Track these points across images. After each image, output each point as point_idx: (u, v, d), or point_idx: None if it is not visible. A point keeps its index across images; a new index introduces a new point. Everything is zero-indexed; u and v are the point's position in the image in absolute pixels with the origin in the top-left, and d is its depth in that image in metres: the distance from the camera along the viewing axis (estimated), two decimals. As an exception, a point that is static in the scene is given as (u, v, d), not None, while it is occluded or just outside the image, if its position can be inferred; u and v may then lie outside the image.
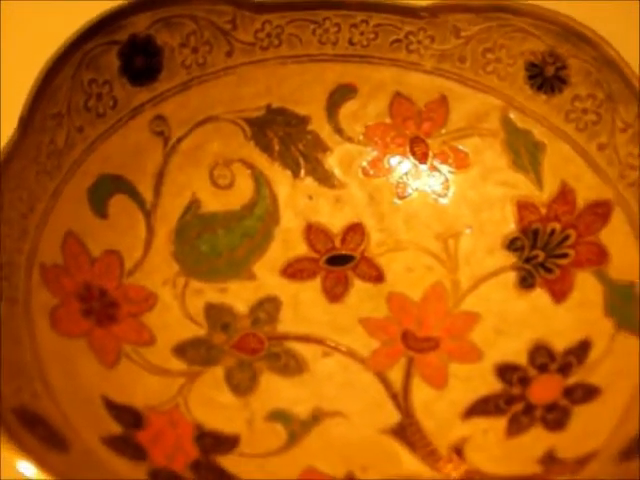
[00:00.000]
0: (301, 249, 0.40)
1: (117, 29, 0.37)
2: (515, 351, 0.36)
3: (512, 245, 0.39)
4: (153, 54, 0.39)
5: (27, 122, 0.35)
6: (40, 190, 0.35)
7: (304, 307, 0.38)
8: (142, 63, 0.38)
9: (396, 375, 0.37)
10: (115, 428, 0.33)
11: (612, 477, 0.29)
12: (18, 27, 0.46)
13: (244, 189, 0.40)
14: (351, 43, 0.40)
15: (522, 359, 0.36)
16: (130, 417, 0.33)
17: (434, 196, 0.40)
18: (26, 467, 0.25)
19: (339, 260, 0.40)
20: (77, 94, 0.37)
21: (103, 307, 0.36)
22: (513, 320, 0.37)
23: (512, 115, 0.39)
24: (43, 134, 0.35)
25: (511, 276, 0.38)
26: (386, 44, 0.39)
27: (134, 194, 0.39)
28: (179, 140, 0.40)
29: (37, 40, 0.42)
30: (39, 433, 0.28)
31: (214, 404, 0.35)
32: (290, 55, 0.40)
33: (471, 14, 0.38)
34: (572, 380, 0.35)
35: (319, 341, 0.38)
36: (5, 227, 0.33)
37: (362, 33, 0.40)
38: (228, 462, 0.34)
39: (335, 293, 0.39)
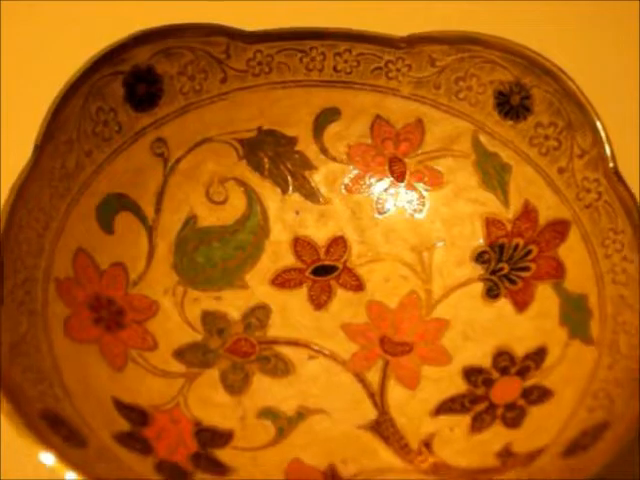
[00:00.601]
0: (289, 260, 0.43)
1: (121, 61, 0.41)
2: (480, 355, 0.40)
3: (480, 258, 0.42)
4: (154, 82, 0.42)
5: (41, 149, 0.39)
6: (53, 210, 0.39)
7: (292, 314, 0.42)
8: (144, 91, 0.42)
9: (373, 376, 0.40)
10: (124, 426, 0.37)
11: (558, 470, 0.34)
12: (26, 54, 0.49)
13: (237, 205, 0.44)
14: (335, 70, 0.43)
15: (486, 363, 0.40)
16: (137, 415, 0.37)
17: (410, 212, 0.44)
18: (49, 459, 0.30)
19: (323, 270, 0.43)
20: (86, 121, 0.41)
21: (111, 315, 0.40)
22: (479, 327, 0.41)
23: (482, 138, 0.42)
24: (55, 159, 0.39)
25: (478, 287, 0.42)
26: (367, 71, 0.43)
27: (137, 211, 0.42)
28: (178, 160, 0.43)
29: (43, 69, 0.47)
30: (62, 433, 0.33)
31: (211, 403, 0.39)
32: (279, 81, 0.43)
33: (445, 45, 0.42)
34: (529, 382, 0.39)
35: (305, 345, 0.42)
36: (25, 245, 0.37)
37: (346, 61, 0.43)
38: (224, 455, 0.37)
39: (320, 301, 0.43)
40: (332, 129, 0.44)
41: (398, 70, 0.43)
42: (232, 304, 0.42)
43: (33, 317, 0.36)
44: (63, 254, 0.39)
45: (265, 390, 0.40)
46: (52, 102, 0.39)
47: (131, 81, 0.42)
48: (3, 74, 0.48)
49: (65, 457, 0.31)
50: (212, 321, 0.42)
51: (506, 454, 0.36)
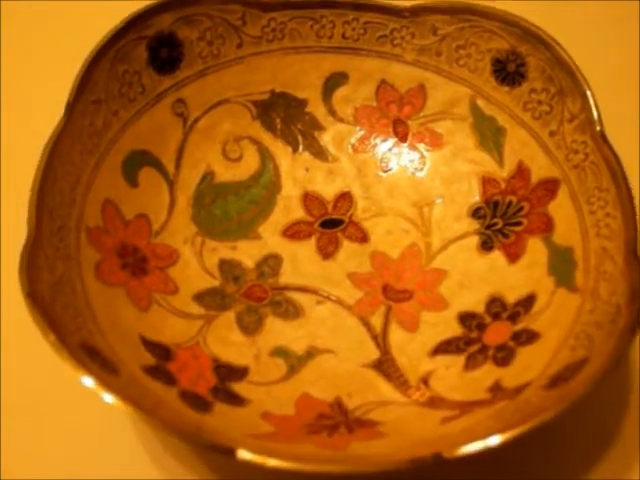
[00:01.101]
0: (299, 214, 0.45)
1: (145, 27, 0.44)
2: (475, 302, 0.42)
3: (476, 214, 0.45)
4: (175, 47, 0.45)
5: (72, 108, 0.42)
6: (83, 165, 0.42)
7: (301, 263, 0.44)
8: (166, 55, 0.45)
9: (377, 320, 0.43)
10: (150, 360, 0.40)
11: (541, 400, 0.37)
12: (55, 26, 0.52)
13: (251, 162, 0.46)
14: (344, 37, 0.45)
15: (480, 309, 0.42)
16: (161, 351, 0.40)
17: (412, 170, 0.46)
18: (89, 383, 0.34)
19: (331, 223, 0.45)
20: (113, 83, 0.43)
21: (136, 262, 0.43)
22: (474, 276, 0.43)
23: (480, 103, 0.44)
24: (85, 118, 0.42)
25: (474, 240, 0.44)
26: (373, 39, 0.45)
27: (159, 166, 0.44)
28: (196, 120, 0.45)
29: (73, 38, 0.49)
30: (98, 361, 0.37)
31: (227, 342, 0.42)
32: (292, 47, 0.45)
33: (447, 15, 0.44)
34: (519, 326, 0.41)
35: (314, 291, 0.44)
36: (59, 197, 0.40)
37: (353, 29, 0.45)
38: (240, 388, 0.40)
39: (327, 251, 0.45)
40: (340, 92, 0.46)
41: (402, 38, 0.45)
42: (247, 253, 0.44)
43: (68, 261, 0.39)
44: (93, 205, 0.42)
45: (277, 331, 0.42)
46: (82, 65, 0.42)
47: (154, 45, 0.44)
48: (38, 43, 0.52)
49: (103, 382, 0.34)
50: (228, 269, 0.44)
51: (496, 388, 0.39)
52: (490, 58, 0.44)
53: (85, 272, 0.40)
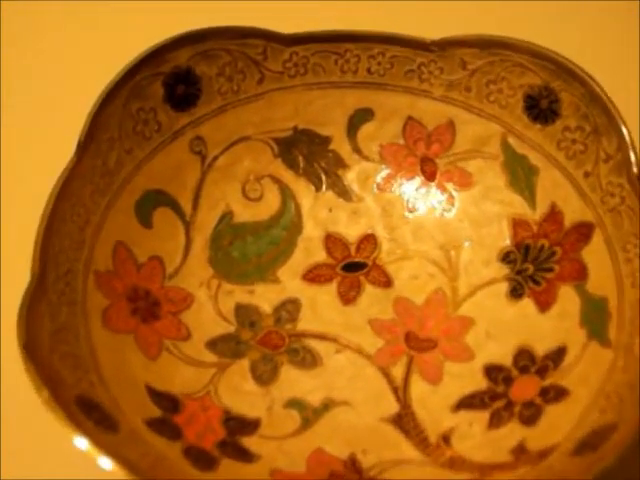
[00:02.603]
0: (320, 256, 0.44)
1: (161, 62, 0.43)
2: (502, 353, 0.40)
3: (506, 258, 0.43)
4: (193, 83, 0.44)
5: (84, 147, 0.41)
6: (94, 206, 0.41)
7: (321, 308, 0.43)
8: (183, 91, 0.43)
9: (397, 371, 0.41)
10: (156, 412, 0.38)
11: (565, 468, 0.35)
12: (48, 47, 0.51)
13: (272, 201, 0.45)
14: (369, 72, 0.44)
15: (507, 361, 0.40)
16: (169, 402, 0.39)
17: (440, 211, 0.44)
18: (82, 444, 0.33)
19: (353, 267, 0.44)
20: (127, 120, 0.42)
21: (147, 306, 0.42)
22: (502, 326, 0.41)
23: (511, 141, 0.43)
24: (97, 157, 0.41)
25: (503, 286, 0.42)
26: (400, 73, 0.43)
27: (175, 207, 0.43)
28: (215, 158, 0.44)
29: (86, 72, 0.48)
30: (95, 417, 0.35)
31: (240, 392, 0.40)
32: (315, 82, 0.44)
33: (476, 49, 0.42)
34: (547, 382, 0.39)
35: (333, 339, 0.43)
36: (67, 239, 0.39)
37: (379, 63, 0.44)
38: (250, 442, 0.39)
39: (348, 296, 0.44)
40: (365, 129, 0.45)
41: (430, 73, 0.43)
42: (264, 298, 0.43)
43: (73, 307, 0.38)
44: (103, 247, 0.41)
45: (293, 381, 0.41)
46: (95, 102, 0.41)
47: (171, 82, 0.43)
48: (48, 77, 0.51)
49: (97, 442, 0.33)
50: (244, 314, 0.43)
51: (520, 451, 0.37)
52: (522, 94, 0.42)
53: (91, 319, 0.39)
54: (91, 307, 0.39)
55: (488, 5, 0.45)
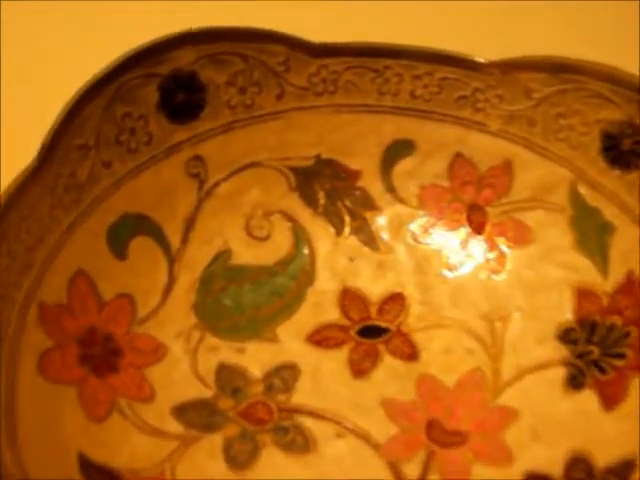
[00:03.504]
0: (333, 315, 0.38)
1: (159, 62, 0.37)
2: (550, 460, 0.34)
3: (565, 336, 0.37)
4: (196, 90, 0.38)
5: (48, 151, 0.34)
6: (53, 224, 0.35)
7: (324, 379, 0.37)
8: (183, 99, 0.38)
9: (412, 469, 0.35)
10: None
11: None
12: (48, 47, 0.47)
13: (281, 243, 0.39)
14: (413, 96, 0.39)
15: (557, 470, 0.34)
16: (105, 479, 0.32)
17: (487, 271, 0.39)
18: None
19: (372, 331, 0.38)
20: (108, 126, 0.36)
21: (104, 354, 0.36)
22: (554, 423, 0.35)
23: (582, 190, 0.38)
24: (64, 165, 0.35)
25: (559, 372, 0.36)
26: (450, 100, 0.38)
27: (160, 237, 0.38)
28: (216, 184, 0.39)
29: (68, 64, 0.43)
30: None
31: (205, 475, 0.34)
32: (345, 104, 0.39)
33: (545, 74, 0.37)
34: None
35: (334, 419, 0.36)
36: (5, 259, 0.33)
37: (425, 86, 0.38)
38: None
39: (361, 367, 0.38)
40: (403, 165, 0.39)
41: (487, 101, 0.38)
42: (256, 359, 0.37)
43: None
44: (57, 275, 0.35)
45: (276, 467, 0.35)
46: (70, 98, 0.35)
47: (168, 86, 0.37)
48: (17, 65, 0.46)
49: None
50: (228, 376, 0.37)
51: None
52: (599, 131, 0.37)
53: (22, 360, 0.33)
54: (25, 346, 0.33)
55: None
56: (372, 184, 0.39)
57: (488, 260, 0.39)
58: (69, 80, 0.41)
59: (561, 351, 0.37)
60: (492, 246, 0.39)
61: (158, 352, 0.37)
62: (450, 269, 0.39)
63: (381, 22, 0.46)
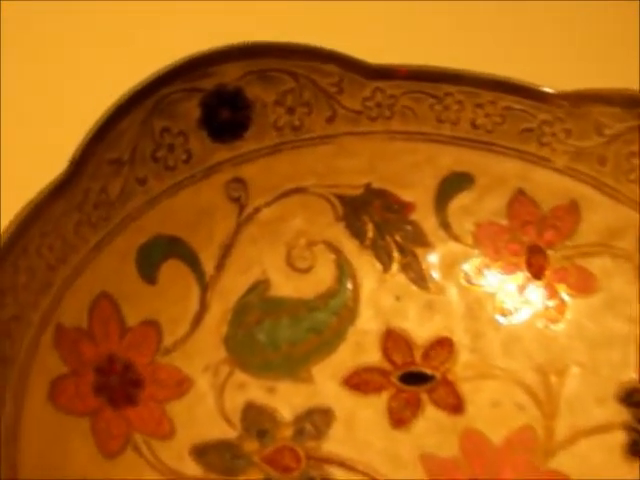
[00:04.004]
0: (374, 357, 0.36)
1: (202, 76, 0.35)
2: None
3: (628, 398, 0.35)
4: (241, 108, 0.36)
5: (79, 164, 0.32)
6: (78, 241, 0.33)
7: (360, 427, 0.35)
8: (227, 117, 0.36)
9: None
10: None
11: None
12: (49, 50, 0.45)
13: (323, 276, 0.37)
14: (474, 126, 0.36)
15: None
16: None
17: (544, 320, 0.37)
18: None
19: (415, 378, 0.36)
20: (145, 141, 0.34)
21: (123, 385, 0.33)
22: None
23: None
24: (95, 180, 0.33)
25: (619, 437, 0.34)
26: (514, 132, 0.36)
27: (193, 262, 0.36)
28: (257, 210, 0.37)
29: (103, 76, 0.42)
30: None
31: None
32: (401, 131, 0.37)
33: (620, 108, 0.35)
34: None
35: (366, 472, 0.34)
36: (23, 276, 0.31)
37: (487, 115, 0.36)
38: None
39: (401, 417, 0.35)
40: (459, 200, 0.37)
41: (554, 135, 0.36)
42: (287, 400, 0.35)
43: (6, 368, 0.28)
44: (78, 297, 0.33)
45: None
46: (105, 110, 0.33)
47: (212, 102, 0.35)
48: (17, 65, 0.44)
49: None
50: (255, 417, 0.35)
51: None
52: None
53: (32, 387, 0.30)
54: (37, 371, 0.31)
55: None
56: (425, 218, 0.37)
57: (547, 308, 0.37)
58: (73, 86, 0.43)
59: (622, 414, 0.34)
60: (552, 293, 0.37)
61: (182, 386, 0.34)
62: (504, 315, 0.37)
63: (443, 46, 0.44)
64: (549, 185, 0.36)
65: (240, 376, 0.35)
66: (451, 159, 0.37)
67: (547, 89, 0.36)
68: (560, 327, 0.36)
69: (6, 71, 0.43)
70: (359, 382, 0.36)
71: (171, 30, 0.45)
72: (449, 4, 0.45)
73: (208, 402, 0.34)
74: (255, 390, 0.35)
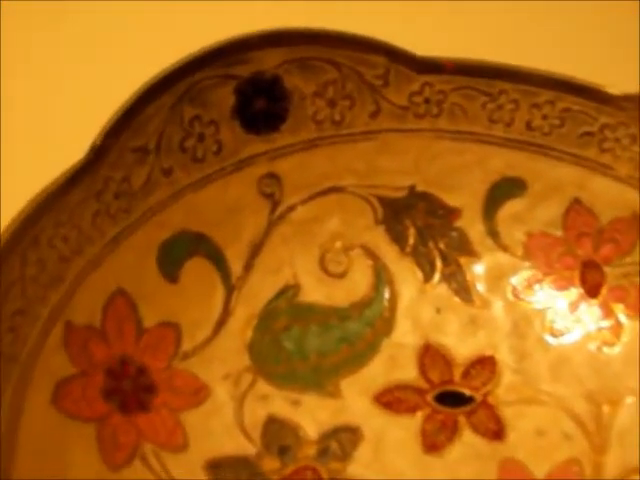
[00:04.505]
0: (409, 373, 0.35)
1: (238, 62, 0.33)
2: None
3: None
4: (278, 98, 0.34)
5: (100, 151, 0.31)
6: (95, 233, 0.31)
7: (389, 449, 0.34)
8: (263, 107, 0.34)
9: None
10: None
11: None
12: (49, 49, 0.44)
13: (359, 283, 0.36)
14: (529, 127, 0.35)
15: None
16: None
17: (598, 342, 0.35)
18: None
19: (453, 399, 0.35)
20: (173, 129, 0.33)
21: (135, 390, 0.32)
22: None
23: None
24: (116, 169, 0.31)
25: None
26: (573, 135, 0.34)
27: (219, 261, 0.34)
28: (291, 208, 0.35)
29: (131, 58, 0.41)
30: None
31: None
32: (450, 130, 0.35)
33: None
34: None
35: None
36: (33, 268, 0.29)
37: (545, 117, 0.34)
38: None
39: (435, 441, 0.34)
40: (510, 207, 0.36)
41: (617, 140, 0.34)
42: (312, 415, 0.34)
43: (7, 364, 0.27)
44: (92, 293, 0.31)
45: None
46: (132, 94, 0.32)
47: (247, 91, 0.33)
48: (17, 65, 0.43)
49: None
50: (277, 432, 0.33)
51: None
52: None
53: (35, 387, 0.29)
54: (42, 370, 0.29)
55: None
56: (472, 226, 0.36)
57: (601, 329, 0.35)
58: (75, 83, 0.42)
59: (681, 451, 0.32)
60: (607, 313, 0.35)
61: (199, 394, 0.33)
62: (554, 335, 0.35)
63: (499, 40, 0.43)
64: (609, 195, 0.35)
65: (263, 386, 0.34)
66: (503, 162, 0.35)
67: (611, 90, 0.34)
68: (615, 351, 0.35)
69: (6, 71, 0.43)
70: (391, 400, 0.34)
71: (196, 18, 0.43)
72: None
73: (226, 413, 0.33)
74: (278, 402, 0.34)
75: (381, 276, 0.36)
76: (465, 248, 0.36)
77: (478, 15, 0.44)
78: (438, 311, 0.36)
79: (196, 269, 0.34)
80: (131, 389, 0.32)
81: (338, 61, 0.34)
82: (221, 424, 0.33)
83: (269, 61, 0.33)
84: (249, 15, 0.41)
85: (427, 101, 0.34)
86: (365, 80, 0.34)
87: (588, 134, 0.34)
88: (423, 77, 0.34)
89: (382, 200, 0.36)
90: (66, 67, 0.44)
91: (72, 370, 0.30)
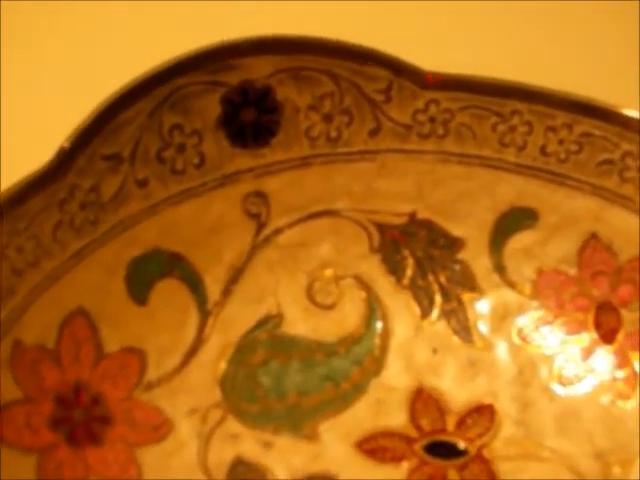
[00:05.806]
0: (397, 419, 0.33)
1: (226, 68, 0.32)
2: None
3: None
4: (269, 110, 0.33)
5: (68, 156, 0.30)
6: (55, 246, 0.30)
7: None
8: (252, 118, 0.33)
9: None
10: None
11: None
12: (49, 49, 0.44)
13: (349, 316, 0.35)
14: (543, 153, 0.33)
15: None
16: None
17: (611, 395, 0.34)
18: None
19: (444, 450, 0.33)
20: (150, 138, 0.31)
21: (87, 421, 0.30)
22: None
23: None
24: (84, 177, 0.30)
25: None
26: (592, 163, 0.33)
27: (195, 284, 0.33)
28: (278, 231, 0.34)
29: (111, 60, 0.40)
30: None
31: None
32: (456, 152, 0.34)
33: None
34: None
35: None
36: None
37: (561, 142, 0.33)
38: None
39: None
40: (520, 240, 0.35)
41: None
42: (285, 460, 0.32)
43: None
44: (47, 311, 0.30)
45: None
46: (107, 98, 0.30)
47: (236, 100, 0.32)
48: (17, 66, 0.43)
49: None
50: (243, 475, 0.32)
51: None
52: None
53: None
54: None
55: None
56: (477, 259, 0.35)
57: (615, 380, 0.34)
58: (72, 83, 0.41)
59: (698, 523, 0.30)
60: (623, 362, 0.34)
61: (161, 429, 0.31)
62: (562, 384, 0.34)
63: (510, 56, 0.42)
64: (629, 230, 0.33)
65: (233, 425, 0.33)
66: (513, 191, 0.34)
67: (634, 113, 0.32)
68: (630, 405, 0.33)
69: (6, 71, 0.42)
70: (375, 448, 0.33)
71: (189, 21, 0.43)
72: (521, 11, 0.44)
73: (189, 452, 0.32)
74: (248, 443, 0.32)
75: (374, 310, 0.35)
76: (468, 283, 0.35)
77: (490, 30, 0.44)
78: (434, 351, 0.34)
79: (168, 291, 0.33)
80: (83, 419, 0.30)
81: (336, 73, 0.33)
82: (182, 464, 0.31)
83: (261, 69, 0.32)
84: (248, 16, 0.41)
85: (432, 120, 0.33)
86: (365, 94, 0.33)
87: (608, 162, 0.33)
88: (429, 94, 0.33)
89: (379, 226, 0.35)
90: (66, 67, 0.43)
91: (17, 394, 0.29)
